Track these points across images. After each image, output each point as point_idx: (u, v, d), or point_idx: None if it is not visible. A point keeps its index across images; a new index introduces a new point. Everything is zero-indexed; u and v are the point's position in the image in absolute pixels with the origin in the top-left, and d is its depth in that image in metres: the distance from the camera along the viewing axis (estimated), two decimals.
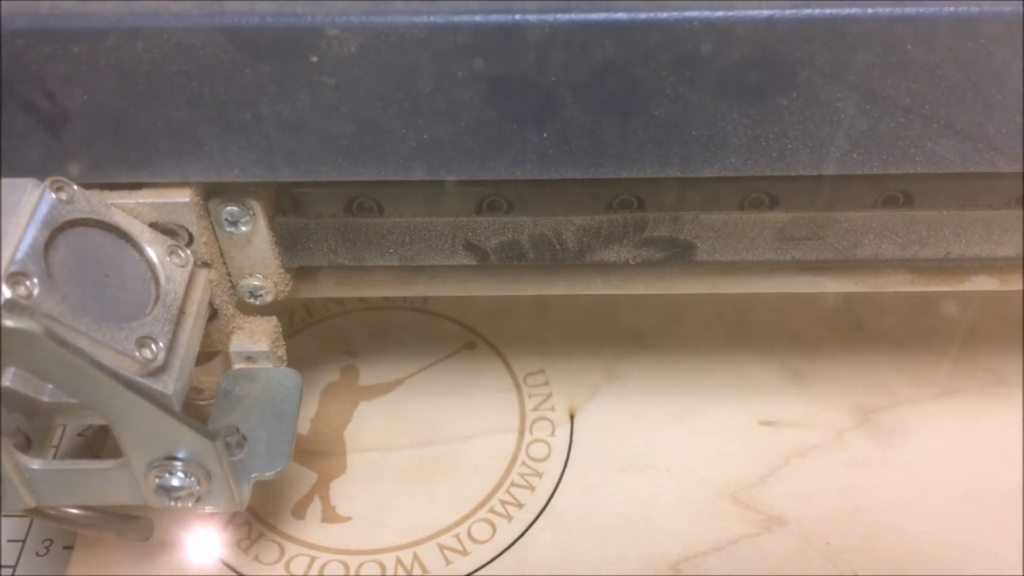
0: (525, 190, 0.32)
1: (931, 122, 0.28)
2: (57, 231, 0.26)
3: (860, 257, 0.33)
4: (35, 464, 0.27)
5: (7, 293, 0.24)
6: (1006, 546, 0.34)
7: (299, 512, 0.35)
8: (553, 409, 0.38)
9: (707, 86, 0.27)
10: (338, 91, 0.27)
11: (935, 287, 0.36)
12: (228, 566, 0.34)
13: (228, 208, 0.30)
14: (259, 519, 0.35)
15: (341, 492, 0.36)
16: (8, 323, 0.22)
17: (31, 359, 0.24)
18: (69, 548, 0.35)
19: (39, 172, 0.27)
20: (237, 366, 0.34)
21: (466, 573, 0.34)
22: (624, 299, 0.42)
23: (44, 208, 0.26)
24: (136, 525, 0.32)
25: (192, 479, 0.28)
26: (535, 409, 0.38)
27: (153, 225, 0.30)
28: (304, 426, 0.38)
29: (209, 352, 0.34)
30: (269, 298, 0.33)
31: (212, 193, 0.30)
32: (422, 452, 0.37)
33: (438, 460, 0.37)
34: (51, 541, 0.35)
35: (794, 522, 0.34)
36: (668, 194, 0.33)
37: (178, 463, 0.27)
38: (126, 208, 0.29)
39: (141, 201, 0.29)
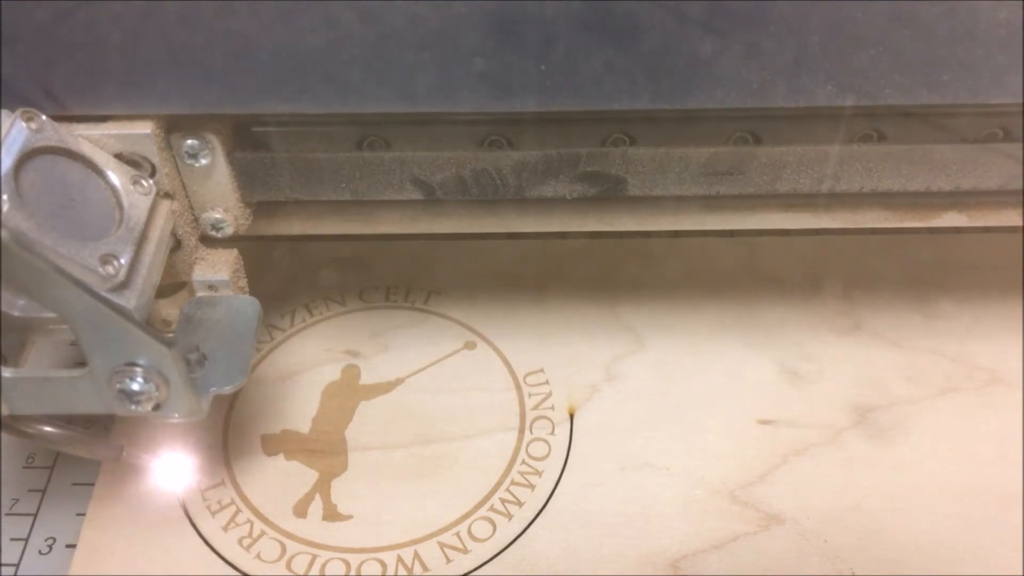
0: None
1: (900, 55, 0.29)
2: (27, 157, 0.29)
3: (780, 192, 0.35)
4: (7, 372, 0.29)
5: None
6: (1004, 545, 0.34)
7: (300, 510, 0.36)
8: (553, 408, 0.39)
9: (692, 20, 0.29)
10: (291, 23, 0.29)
11: (908, 223, 0.37)
12: (230, 564, 0.34)
13: (188, 141, 0.32)
14: (260, 517, 0.35)
15: (342, 491, 0.36)
16: None
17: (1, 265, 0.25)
18: (72, 547, 0.35)
19: (9, 105, 0.29)
20: (200, 294, 0.35)
21: (466, 571, 0.34)
22: (624, 299, 0.42)
23: (14, 135, 0.29)
24: (107, 445, 0.35)
25: (151, 385, 0.29)
26: (535, 408, 0.39)
27: (118, 156, 0.32)
28: (305, 425, 0.38)
29: (176, 284, 0.36)
30: (230, 231, 0.35)
31: (173, 127, 0.32)
32: (423, 451, 0.37)
33: (439, 459, 0.37)
34: (54, 540, 0.35)
35: (792, 521, 0.35)
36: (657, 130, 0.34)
37: (138, 369, 0.29)
38: (92, 139, 0.31)
39: (106, 133, 0.31)
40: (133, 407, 0.30)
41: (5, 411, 0.30)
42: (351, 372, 0.40)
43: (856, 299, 0.42)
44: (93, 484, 0.36)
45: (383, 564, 0.34)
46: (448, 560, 0.34)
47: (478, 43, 0.29)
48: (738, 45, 0.29)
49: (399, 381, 0.40)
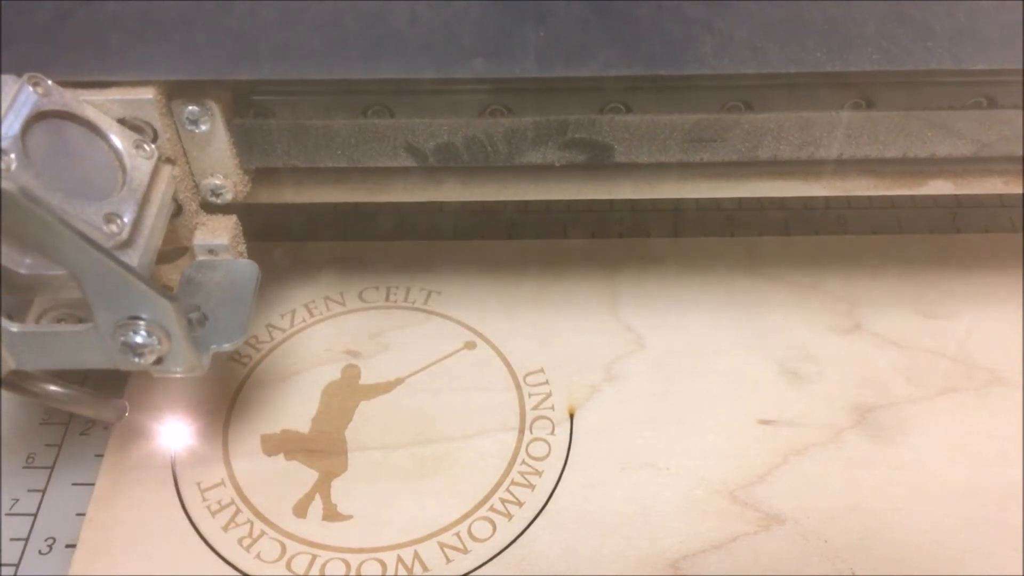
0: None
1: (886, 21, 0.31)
2: (34, 120, 0.30)
3: (761, 158, 0.36)
4: (14, 327, 0.30)
5: None
6: (1004, 545, 0.34)
7: (300, 510, 0.36)
8: (553, 408, 0.39)
9: None
10: None
11: (896, 191, 0.38)
12: (230, 564, 0.34)
13: (189, 108, 0.34)
14: (260, 517, 0.35)
15: (342, 491, 0.36)
16: None
17: (8, 218, 0.27)
18: (72, 547, 0.35)
19: (17, 71, 0.31)
20: (200, 258, 0.37)
21: (466, 571, 0.34)
22: (624, 299, 0.42)
23: (22, 99, 0.30)
24: (111, 405, 0.36)
25: (154, 338, 0.30)
26: (535, 408, 0.39)
27: (121, 121, 0.33)
28: (305, 425, 0.38)
29: (177, 249, 0.38)
30: (229, 197, 0.36)
31: (174, 93, 0.33)
32: (423, 451, 0.37)
33: (438, 459, 0.37)
34: (54, 540, 0.35)
35: (792, 521, 0.35)
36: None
37: (141, 323, 0.30)
38: (96, 104, 0.33)
39: (109, 98, 0.33)
40: (136, 360, 0.30)
41: (12, 365, 0.31)
42: (351, 372, 0.40)
43: (856, 299, 0.42)
44: (93, 484, 0.36)
45: (383, 564, 0.34)
46: (448, 560, 0.34)
47: (478, 13, 0.31)
48: (730, 12, 0.31)
49: (399, 381, 0.40)
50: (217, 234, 0.37)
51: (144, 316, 0.30)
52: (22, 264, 0.30)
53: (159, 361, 0.31)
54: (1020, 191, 0.38)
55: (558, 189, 0.38)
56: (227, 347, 0.32)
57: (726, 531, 0.34)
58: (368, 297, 0.43)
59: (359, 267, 0.44)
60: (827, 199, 0.48)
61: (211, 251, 0.36)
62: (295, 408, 0.39)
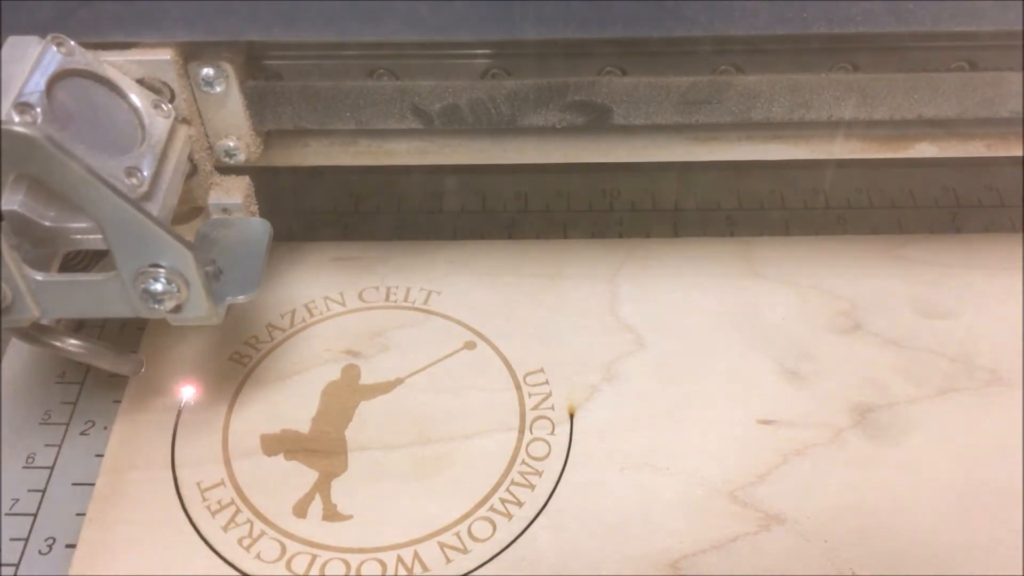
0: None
1: None
2: (57, 77, 0.32)
3: (754, 120, 0.37)
4: (39, 276, 0.31)
5: (15, 117, 0.30)
6: (1005, 545, 0.34)
7: (300, 510, 0.36)
8: (553, 408, 0.39)
9: None
10: None
11: (883, 155, 0.40)
12: (230, 564, 0.34)
13: (204, 69, 0.36)
14: (260, 517, 0.35)
15: (342, 490, 0.36)
16: (17, 129, 0.27)
17: (35, 165, 0.28)
18: (72, 547, 0.35)
19: (40, 32, 0.32)
20: (214, 216, 0.38)
21: (466, 571, 0.34)
22: (624, 299, 0.42)
23: (47, 58, 0.32)
24: (128, 359, 0.37)
25: (173, 285, 0.31)
26: (535, 408, 0.39)
27: (140, 81, 0.35)
28: (305, 425, 0.38)
29: (192, 209, 0.40)
30: (242, 158, 0.38)
31: (191, 55, 0.36)
32: (422, 451, 0.37)
33: (438, 459, 0.37)
34: (54, 540, 0.35)
35: (792, 521, 0.35)
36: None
37: (161, 270, 0.31)
38: (116, 64, 0.35)
39: (129, 59, 0.35)
40: (156, 306, 0.32)
41: (37, 313, 0.32)
42: (351, 372, 0.40)
43: (856, 299, 0.42)
44: (93, 484, 0.36)
45: (383, 564, 0.34)
46: (448, 560, 0.34)
47: None
48: None
49: (399, 381, 0.40)
50: (231, 194, 0.39)
51: (164, 264, 0.31)
52: (46, 217, 0.32)
53: (177, 309, 0.32)
54: (1001, 154, 0.40)
55: (558, 152, 0.40)
56: (241, 299, 0.34)
57: (726, 531, 0.34)
58: (368, 297, 0.43)
59: (359, 267, 0.44)
60: (827, 199, 0.48)
61: (225, 210, 0.38)
62: (295, 408, 0.39)
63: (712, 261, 0.44)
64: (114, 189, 0.29)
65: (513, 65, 0.37)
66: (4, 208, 0.30)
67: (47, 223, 0.32)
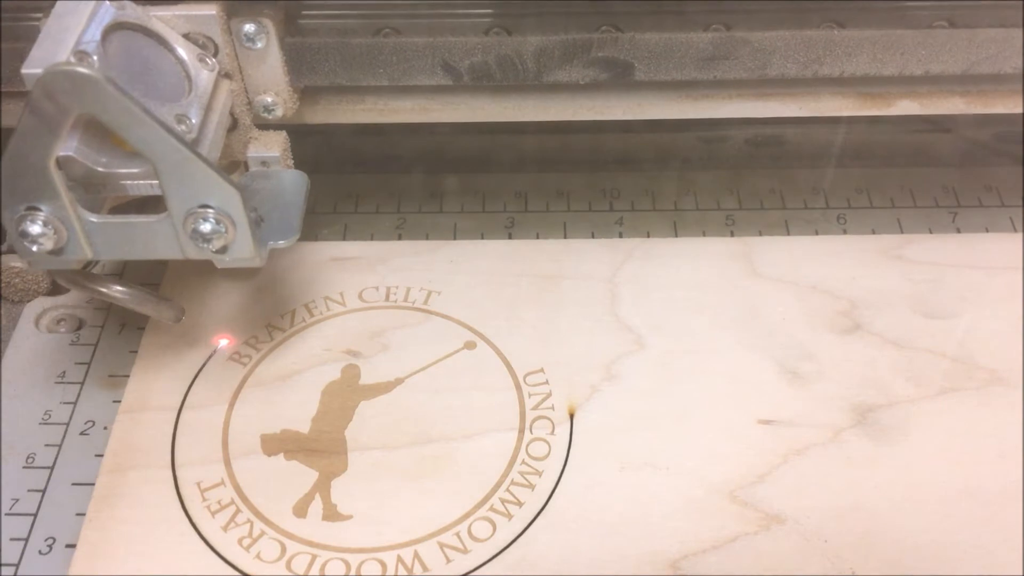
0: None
1: None
2: (110, 29, 0.34)
3: (769, 76, 0.40)
4: (93, 217, 0.33)
5: (74, 61, 0.31)
6: (1004, 545, 0.34)
7: (300, 510, 0.36)
8: (553, 408, 0.39)
9: None
10: None
11: (865, 112, 0.42)
12: (230, 564, 0.34)
13: (246, 26, 0.38)
14: (260, 517, 0.35)
15: (342, 490, 0.36)
16: (80, 69, 0.29)
17: (97, 104, 0.30)
18: (72, 547, 0.35)
19: None
20: (253, 168, 0.41)
21: (466, 571, 0.34)
22: (624, 299, 0.42)
23: (102, 12, 0.34)
24: (170, 305, 0.39)
25: (220, 226, 0.33)
26: (535, 408, 0.39)
27: (186, 36, 0.37)
28: (305, 425, 0.38)
29: (231, 163, 0.41)
30: (280, 113, 0.40)
31: (234, 12, 0.38)
32: (422, 451, 0.37)
33: (438, 459, 0.37)
34: (54, 540, 0.35)
35: (792, 521, 0.35)
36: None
37: (210, 210, 0.33)
38: (164, 19, 0.37)
39: (176, 13, 0.37)
40: (204, 246, 0.33)
41: (90, 255, 0.33)
42: (351, 372, 0.40)
43: (856, 299, 0.42)
44: (93, 484, 0.36)
45: (383, 564, 0.34)
46: (448, 560, 0.34)
47: None
48: None
49: (399, 381, 0.40)
50: (269, 147, 0.41)
51: (213, 204, 0.32)
52: (99, 163, 0.33)
53: (223, 250, 0.33)
54: (980, 111, 0.42)
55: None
56: (282, 244, 0.35)
57: (726, 531, 0.34)
58: (368, 297, 0.43)
59: (359, 267, 0.44)
60: (827, 199, 0.48)
61: (263, 163, 0.41)
62: (295, 408, 0.39)
63: (712, 261, 0.44)
64: (169, 129, 0.31)
65: (520, 25, 0.39)
66: (61, 153, 0.31)
67: (100, 168, 0.33)
